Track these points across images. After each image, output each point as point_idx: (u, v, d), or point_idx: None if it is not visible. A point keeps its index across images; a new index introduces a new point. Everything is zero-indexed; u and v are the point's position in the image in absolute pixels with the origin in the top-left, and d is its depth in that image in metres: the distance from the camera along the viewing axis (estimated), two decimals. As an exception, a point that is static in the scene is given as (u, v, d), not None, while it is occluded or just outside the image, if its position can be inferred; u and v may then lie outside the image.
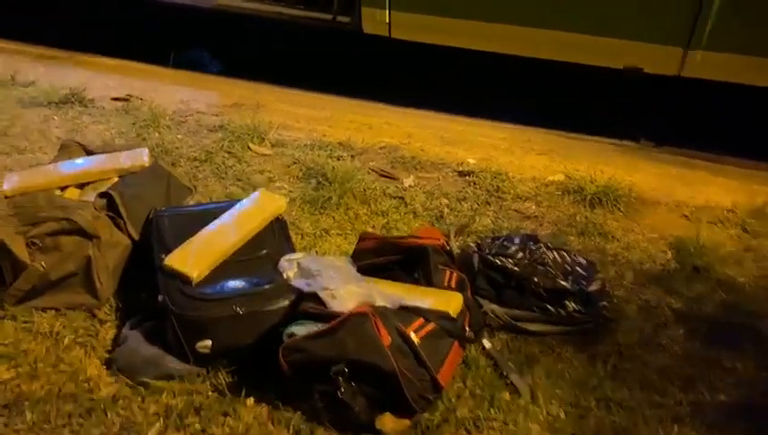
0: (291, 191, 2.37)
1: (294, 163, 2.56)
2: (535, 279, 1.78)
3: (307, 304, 1.54)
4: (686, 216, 2.36)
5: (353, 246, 1.93)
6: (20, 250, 1.69)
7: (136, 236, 1.84)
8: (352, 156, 2.65)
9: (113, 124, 2.79)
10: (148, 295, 1.71)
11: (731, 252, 2.15)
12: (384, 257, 1.75)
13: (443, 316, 1.57)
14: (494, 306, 1.78)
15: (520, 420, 1.53)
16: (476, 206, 2.34)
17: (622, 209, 2.36)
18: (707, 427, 1.54)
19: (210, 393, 1.56)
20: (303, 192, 2.35)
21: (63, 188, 1.93)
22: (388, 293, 1.59)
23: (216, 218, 1.80)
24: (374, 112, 3.15)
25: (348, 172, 2.42)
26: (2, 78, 3.15)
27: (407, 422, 1.47)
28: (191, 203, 2.14)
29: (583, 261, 1.89)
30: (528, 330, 1.77)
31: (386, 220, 2.23)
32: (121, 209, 1.82)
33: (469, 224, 2.22)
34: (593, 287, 1.81)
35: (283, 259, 1.68)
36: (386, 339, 1.44)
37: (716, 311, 1.91)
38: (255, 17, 3.40)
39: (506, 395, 1.59)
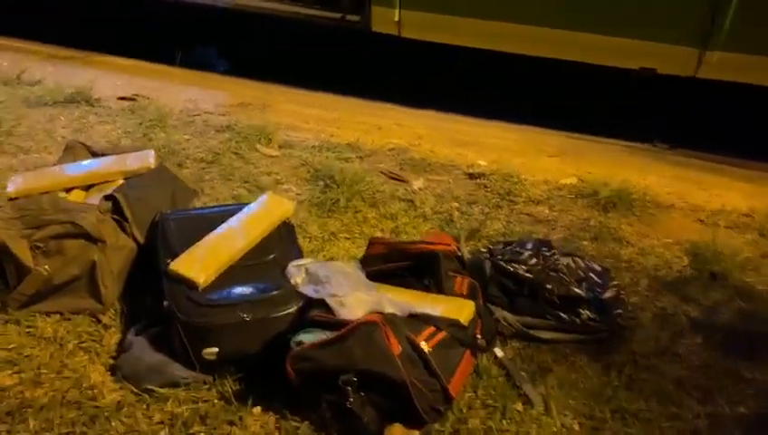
0: (298, 194, 2.34)
1: (302, 165, 2.53)
2: (548, 286, 1.74)
3: (315, 312, 1.52)
4: (701, 220, 2.32)
5: (362, 250, 1.91)
6: (24, 254, 1.67)
7: (141, 240, 1.81)
8: (361, 157, 2.61)
9: (119, 124, 2.77)
10: (153, 301, 1.68)
11: (749, 258, 2.11)
12: (394, 263, 1.72)
13: (454, 324, 1.54)
14: (507, 314, 1.75)
15: (533, 431, 1.49)
16: (487, 209, 2.30)
17: (636, 213, 2.32)
18: (727, 441, 1.50)
19: (216, 401, 1.53)
20: (311, 194, 2.32)
21: (69, 190, 1.91)
22: (398, 300, 1.55)
23: (222, 222, 1.77)
24: (383, 113, 3.11)
25: (356, 174, 2.39)
26: (8, 77, 3.14)
27: (417, 433, 1.44)
28: (197, 206, 2.11)
29: (598, 267, 1.85)
30: (541, 338, 1.73)
31: (395, 224, 2.19)
32: (126, 212, 1.79)
33: (480, 228, 2.18)
34: (608, 295, 1.77)
35: (290, 265, 1.65)
36: (396, 348, 1.41)
37: (734, 319, 1.87)
38: (267, 16, 3.36)
39: (519, 405, 1.55)
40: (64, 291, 1.72)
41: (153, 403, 1.52)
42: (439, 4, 2.92)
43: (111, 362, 1.63)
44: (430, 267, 1.69)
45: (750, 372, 1.69)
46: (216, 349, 1.52)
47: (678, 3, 2.58)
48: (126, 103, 2.97)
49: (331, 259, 1.98)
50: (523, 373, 1.63)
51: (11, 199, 1.85)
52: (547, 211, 2.32)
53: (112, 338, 1.70)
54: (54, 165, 2.07)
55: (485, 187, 2.44)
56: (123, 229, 1.79)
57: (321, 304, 1.53)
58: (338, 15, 3.24)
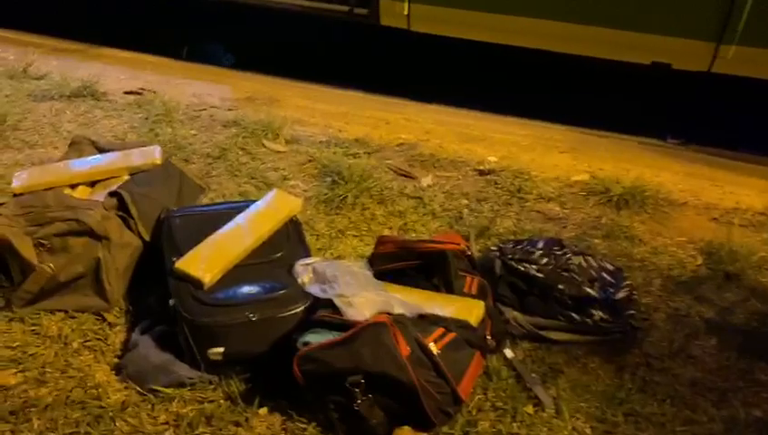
0: (305, 190, 2.31)
1: (309, 161, 2.50)
2: (560, 286, 1.71)
3: (322, 312, 1.49)
4: (716, 219, 2.27)
5: (370, 248, 1.88)
6: (28, 251, 1.66)
7: (147, 237, 1.79)
8: (369, 153, 2.58)
9: (126, 119, 2.75)
10: (158, 299, 1.67)
11: (764, 257, 2.06)
12: (402, 262, 1.69)
13: (463, 325, 1.51)
14: (517, 314, 1.72)
15: (543, 434, 1.46)
16: (497, 207, 2.26)
17: (649, 211, 2.27)
18: (743, 446, 1.47)
19: (222, 402, 1.52)
20: (318, 191, 2.29)
21: (74, 187, 1.89)
22: (407, 300, 1.53)
23: (229, 220, 1.75)
24: (391, 108, 3.07)
25: (364, 171, 2.36)
26: (14, 70, 3.13)
27: (425, 436, 1.41)
28: (204, 202, 2.09)
29: (610, 267, 1.81)
30: (552, 339, 1.70)
31: (403, 221, 2.16)
32: (132, 209, 1.77)
33: (490, 226, 2.14)
34: (620, 295, 1.73)
35: (297, 263, 1.62)
36: (404, 349, 1.38)
37: (750, 320, 1.83)
38: (274, 9, 3.33)
39: (529, 408, 1.52)
40: (69, 289, 1.71)
41: (158, 403, 1.51)
42: (450, -4, 2.88)
43: (116, 361, 1.62)
44: (439, 267, 1.66)
45: (766, 374, 1.65)
46: (222, 349, 1.50)
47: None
48: (132, 97, 2.95)
49: (339, 257, 1.96)
50: (533, 375, 1.60)
51: (16, 195, 1.83)
52: (558, 209, 2.28)
53: (117, 337, 1.69)
54: (59, 160, 2.05)
55: (495, 183, 2.39)
56: (128, 226, 1.77)
57: (329, 304, 1.51)
58: (346, 9, 3.20)
